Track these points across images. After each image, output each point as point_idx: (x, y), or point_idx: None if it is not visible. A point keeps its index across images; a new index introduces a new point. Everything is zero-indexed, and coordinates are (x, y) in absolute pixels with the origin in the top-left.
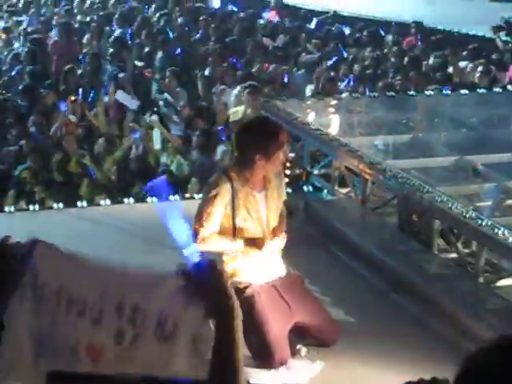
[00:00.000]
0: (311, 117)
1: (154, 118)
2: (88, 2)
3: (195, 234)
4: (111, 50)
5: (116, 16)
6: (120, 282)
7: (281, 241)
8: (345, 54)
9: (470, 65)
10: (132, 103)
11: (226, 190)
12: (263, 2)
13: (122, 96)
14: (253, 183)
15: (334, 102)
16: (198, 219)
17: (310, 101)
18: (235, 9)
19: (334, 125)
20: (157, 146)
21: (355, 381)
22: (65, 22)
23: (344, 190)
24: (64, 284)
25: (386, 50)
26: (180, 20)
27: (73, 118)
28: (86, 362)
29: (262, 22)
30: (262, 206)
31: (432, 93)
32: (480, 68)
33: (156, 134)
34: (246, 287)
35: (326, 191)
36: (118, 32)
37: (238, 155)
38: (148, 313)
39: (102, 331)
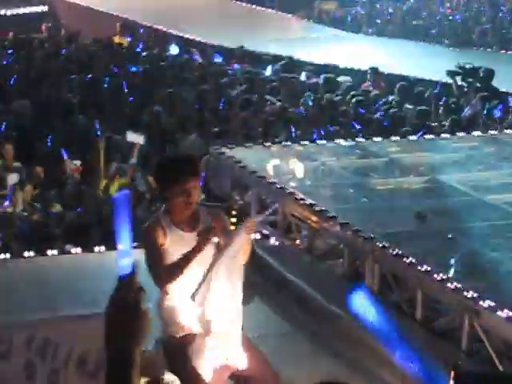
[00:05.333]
0: (259, 164)
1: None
2: None
3: (164, 283)
4: None
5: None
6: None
7: None
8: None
9: None
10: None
11: (159, 231)
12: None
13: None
14: (181, 223)
15: (282, 150)
16: (156, 268)
17: (258, 148)
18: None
19: (281, 172)
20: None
21: None
22: None
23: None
24: None
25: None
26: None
27: None
28: None
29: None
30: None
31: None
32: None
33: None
34: (183, 336)
35: (273, 238)
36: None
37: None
38: (59, 347)
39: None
